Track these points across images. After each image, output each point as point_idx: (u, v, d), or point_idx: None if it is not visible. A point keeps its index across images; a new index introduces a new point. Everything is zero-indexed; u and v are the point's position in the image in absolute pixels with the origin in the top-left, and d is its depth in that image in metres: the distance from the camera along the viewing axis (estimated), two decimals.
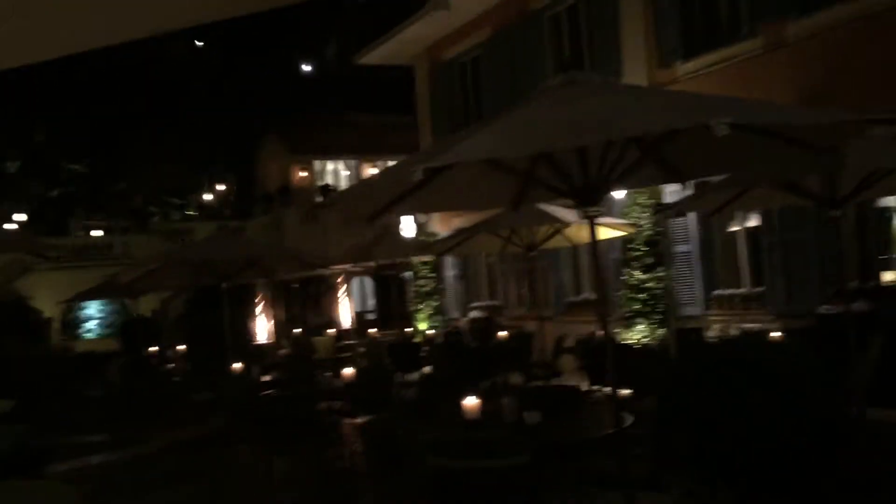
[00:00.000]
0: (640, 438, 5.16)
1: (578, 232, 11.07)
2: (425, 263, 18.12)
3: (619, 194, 12.05)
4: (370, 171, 32.99)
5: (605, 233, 11.13)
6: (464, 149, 3.85)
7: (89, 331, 27.29)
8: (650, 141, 4.41)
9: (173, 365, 12.85)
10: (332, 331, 17.96)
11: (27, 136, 37.15)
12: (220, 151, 35.84)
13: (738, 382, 3.89)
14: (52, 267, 24.23)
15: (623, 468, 4.54)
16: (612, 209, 12.25)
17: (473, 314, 16.24)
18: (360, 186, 4.33)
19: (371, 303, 29.56)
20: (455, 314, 17.45)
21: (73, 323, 26.83)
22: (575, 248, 14.52)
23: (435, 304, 17.96)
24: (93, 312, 27.40)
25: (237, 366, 10.15)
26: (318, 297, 25.96)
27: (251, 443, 7.79)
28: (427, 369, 13.27)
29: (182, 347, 13.39)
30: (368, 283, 29.63)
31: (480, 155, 4.00)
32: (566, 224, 10.02)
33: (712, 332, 11.05)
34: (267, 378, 10.37)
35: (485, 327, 14.50)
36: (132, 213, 32.15)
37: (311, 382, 9.96)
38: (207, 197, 37.78)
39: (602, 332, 11.14)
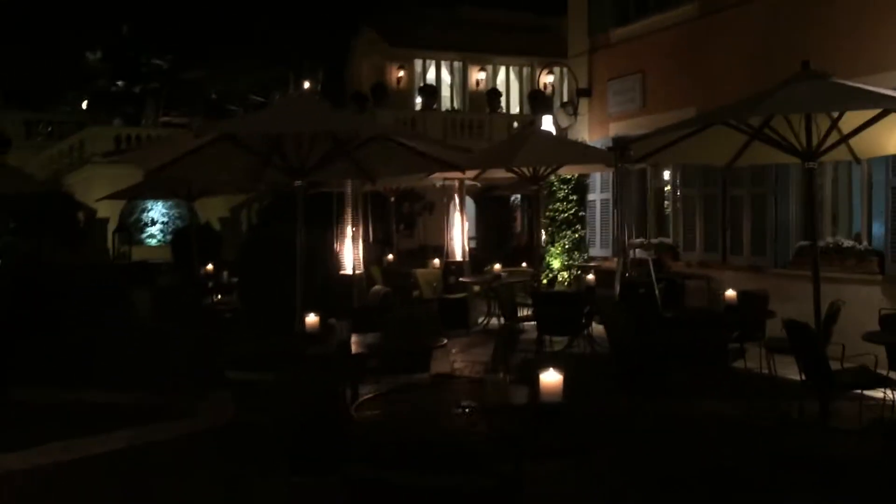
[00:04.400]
0: None
1: (881, 135, 6.54)
2: (565, 181, 13.61)
3: None
4: (478, 75, 28.42)
5: None
6: None
7: (152, 236, 23.79)
8: None
9: (220, 297, 8.81)
10: (436, 261, 13.77)
11: (114, 30, 33.93)
12: (309, 45, 31.50)
13: None
14: (113, 161, 20.76)
15: None
16: None
17: (638, 254, 11.71)
18: None
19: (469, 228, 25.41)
20: (603, 251, 12.98)
21: (134, 226, 23.28)
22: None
23: (575, 236, 13.50)
24: (157, 215, 23.83)
25: (311, 318, 5.98)
26: (412, 217, 21.74)
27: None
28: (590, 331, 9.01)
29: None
30: (470, 205, 25.38)
31: None
32: None
33: None
34: (356, 342, 6.22)
35: (668, 277, 10.04)
36: (208, 106, 28.46)
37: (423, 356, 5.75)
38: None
39: None
